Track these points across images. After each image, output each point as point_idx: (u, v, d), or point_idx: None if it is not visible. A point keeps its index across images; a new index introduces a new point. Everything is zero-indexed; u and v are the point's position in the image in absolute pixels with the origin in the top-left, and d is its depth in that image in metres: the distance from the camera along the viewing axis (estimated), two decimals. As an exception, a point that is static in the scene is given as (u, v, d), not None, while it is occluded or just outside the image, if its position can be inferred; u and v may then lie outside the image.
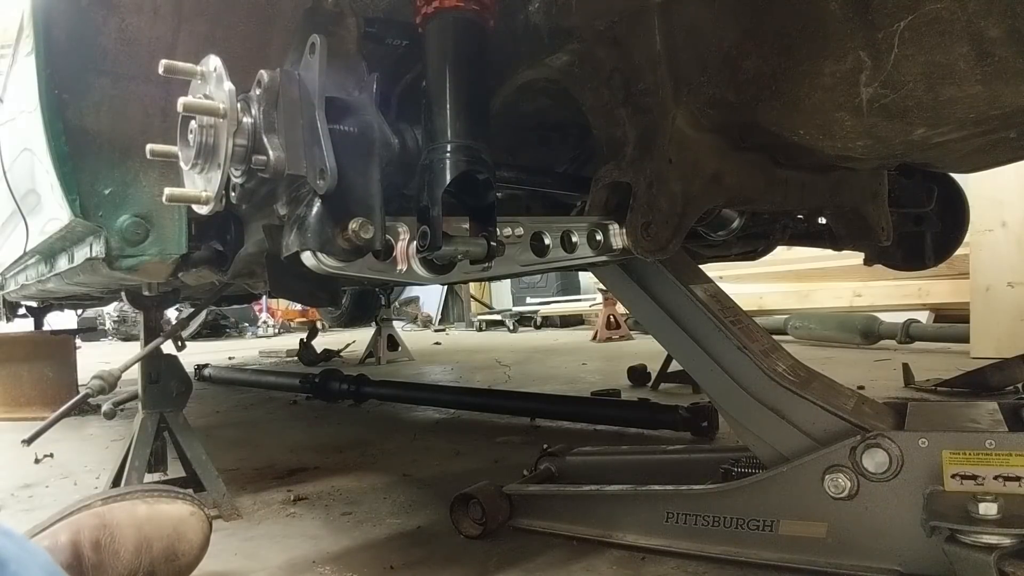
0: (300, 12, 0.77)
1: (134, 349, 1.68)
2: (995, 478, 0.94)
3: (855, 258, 1.81)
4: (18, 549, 0.70)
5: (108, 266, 1.00)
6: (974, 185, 3.11)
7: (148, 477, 1.58)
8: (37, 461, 2.22)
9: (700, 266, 1.41)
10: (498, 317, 8.72)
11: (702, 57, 0.97)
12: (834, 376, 1.28)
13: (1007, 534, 0.86)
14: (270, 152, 0.70)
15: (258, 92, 0.71)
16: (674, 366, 2.94)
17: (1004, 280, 3.50)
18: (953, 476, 0.96)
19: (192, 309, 3.32)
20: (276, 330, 10.35)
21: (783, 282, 5.40)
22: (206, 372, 4.29)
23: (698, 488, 1.17)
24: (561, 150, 1.42)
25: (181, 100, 0.69)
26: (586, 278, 8.63)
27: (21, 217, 1.30)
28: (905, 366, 2.82)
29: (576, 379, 3.63)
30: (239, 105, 0.70)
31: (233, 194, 0.76)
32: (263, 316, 10.51)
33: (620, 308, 5.90)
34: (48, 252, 1.32)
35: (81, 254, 1.09)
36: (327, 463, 2.07)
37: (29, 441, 1.50)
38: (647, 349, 4.00)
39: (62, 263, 1.23)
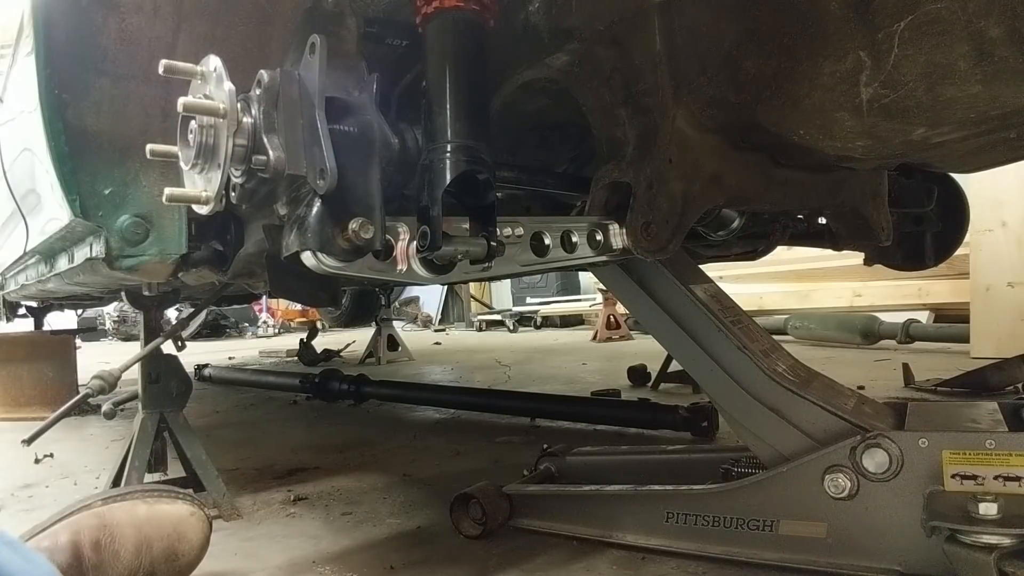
0: (300, 12, 0.77)
1: (134, 349, 1.68)
2: (995, 478, 0.94)
3: (855, 258, 1.81)
4: (23, 561, 0.70)
5: (108, 266, 1.00)
6: (974, 185, 3.11)
7: (148, 477, 1.58)
8: (37, 461, 2.22)
9: (700, 266, 1.41)
10: (498, 317, 8.72)
11: (702, 57, 0.97)
12: (834, 376, 1.28)
13: (1007, 534, 0.86)
14: (270, 152, 0.70)
15: (258, 92, 0.71)
16: (674, 366, 2.94)
17: (1004, 280, 3.50)
18: (953, 476, 0.96)
19: (192, 309, 3.32)
20: (276, 330, 10.35)
21: (783, 282, 5.39)
22: (206, 372, 4.29)
23: (698, 488, 1.17)
24: (561, 150, 1.42)
25: (181, 100, 0.69)
26: (586, 278, 8.62)
27: (21, 217, 1.30)
28: (905, 366, 2.82)
29: (576, 379, 3.63)
30: (239, 105, 0.70)
31: (233, 194, 0.76)
32: (263, 316, 10.51)
33: (620, 308, 5.90)
34: (48, 252, 1.32)
35: (81, 254, 1.09)
36: (327, 463, 2.07)
37: (29, 441, 1.50)
38: (647, 349, 4.00)
39: (62, 263, 1.23)
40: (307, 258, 0.72)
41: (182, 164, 0.77)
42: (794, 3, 0.87)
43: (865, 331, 4.02)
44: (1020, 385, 2.45)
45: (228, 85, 0.70)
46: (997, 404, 1.16)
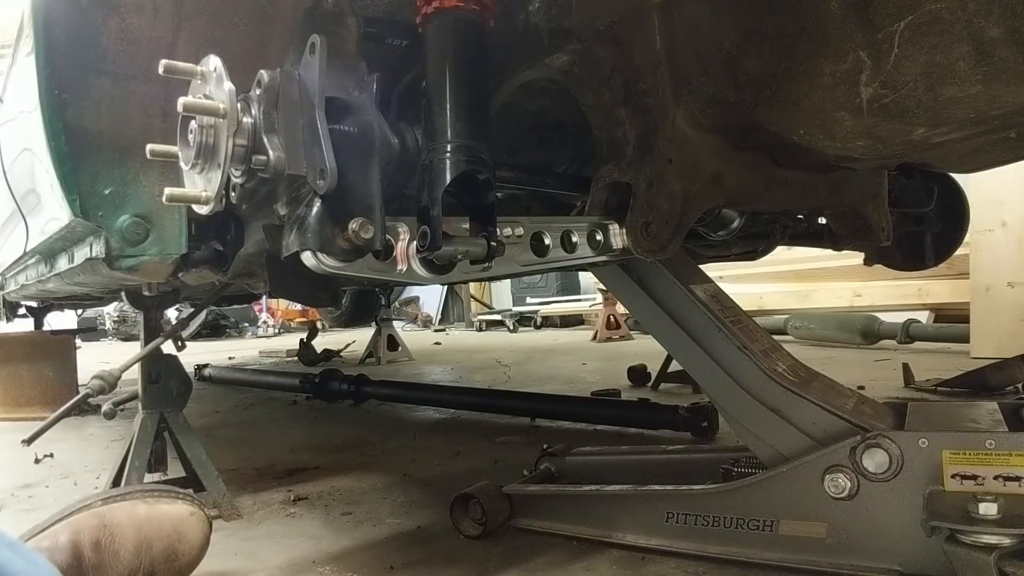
0: (300, 12, 0.77)
1: (134, 349, 1.68)
2: (995, 478, 0.94)
3: (855, 258, 1.81)
4: (23, 562, 0.70)
5: (108, 266, 1.00)
6: (974, 185, 3.11)
7: (148, 477, 1.58)
8: (37, 461, 2.22)
9: (700, 266, 1.41)
10: (498, 317, 8.72)
11: (702, 57, 0.97)
12: (834, 376, 1.28)
13: (1007, 534, 0.86)
14: (270, 152, 0.70)
15: (258, 92, 0.71)
16: (674, 366, 2.94)
17: (1004, 280, 3.50)
18: (953, 476, 0.96)
19: (192, 309, 3.32)
20: (276, 330, 10.35)
21: (783, 282, 5.39)
22: (206, 372, 4.29)
23: (698, 488, 1.17)
24: (561, 150, 1.42)
25: (181, 100, 0.69)
26: (586, 278, 8.62)
27: (21, 217, 1.30)
28: (905, 366, 2.82)
29: (576, 379, 3.63)
30: (239, 105, 0.70)
31: (233, 194, 0.76)
32: (263, 316, 10.51)
33: (620, 308, 5.90)
34: (48, 252, 1.32)
35: (81, 254, 1.09)
36: (327, 463, 2.07)
37: (29, 441, 1.50)
38: (647, 349, 4.00)
39: (62, 263, 1.23)
40: (307, 258, 0.72)
41: (182, 164, 0.77)
42: (794, 3, 0.87)
43: (865, 331, 4.02)
44: (1020, 385, 2.45)
45: (228, 85, 0.70)
46: (997, 404, 1.16)
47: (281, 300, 9.24)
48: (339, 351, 5.37)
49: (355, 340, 5.77)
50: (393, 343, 5.13)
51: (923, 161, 1.30)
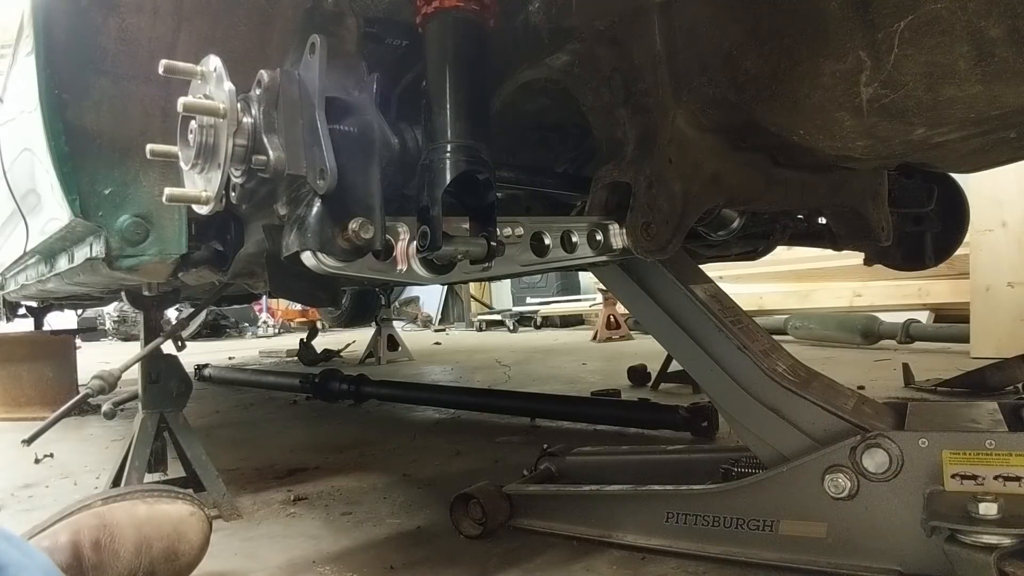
0: (300, 12, 0.77)
1: (134, 349, 1.68)
2: (995, 478, 0.94)
3: (855, 258, 1.81)
4: (19, 554, 0.71)
5: (108, 266, 1.00)
6: (974, 185, 3.11)
7: (148, 477, 1.58)
8: (37, 461, 2.22)
9: (700, 266, 1.41)
10: (498, 317, 8.72)
11: (702, 57, 0.97)
12: (834, 376, 1.28)
13: (1007, 534, 0.86)
14: (270, 152, 0.70)
15: (258, 92, 0.71)
16: (674, 366, 2.94)
17: (1004, 280, 3.50)
18: (953, 476, 0.96)
19: (192, 309, 3.32)
20: (276, 330, 10.35)
21: (783, 282, 5.40)
22: (206, 372, 4.30)
23: (698, 488, 1.17)
24: (561, 150, 1.42)
25: (181, 100, 0.69)
26: (586, 278, 8.63)
27: (21, 217, 1.30)
28: (905, 366, 2.82)
29: (576, 379, 3.63)
30: (239, 105, 0.70)
31: (233, 194, 0.76)
32: (263, 316, 10.52)
33: (620, 308, 5.90)
34: (48, 252, 1.32)
35: (81, 254, 1.09)
36: (327, 463, 2.07)
37: (29, 441, 1.50)
38: (647, 349, 4.00)
39: (62, 263, 1.23)
40: (307, 258, 0.72)
41: (182, 164, 0.77)
42: (794, 3, 0.87)
43: (865, 331, 4.02)
44: (1020, 385, 2.45)
45: (228, 85, 0.70)
46: (997, 404, 1.16)
47: (281, 300, 9.25)
48: (339, 351, 5.37)
49: (355, 340, 5.77)
50: (393, 343, 5.13)
51: (923, 161, 1.29)
